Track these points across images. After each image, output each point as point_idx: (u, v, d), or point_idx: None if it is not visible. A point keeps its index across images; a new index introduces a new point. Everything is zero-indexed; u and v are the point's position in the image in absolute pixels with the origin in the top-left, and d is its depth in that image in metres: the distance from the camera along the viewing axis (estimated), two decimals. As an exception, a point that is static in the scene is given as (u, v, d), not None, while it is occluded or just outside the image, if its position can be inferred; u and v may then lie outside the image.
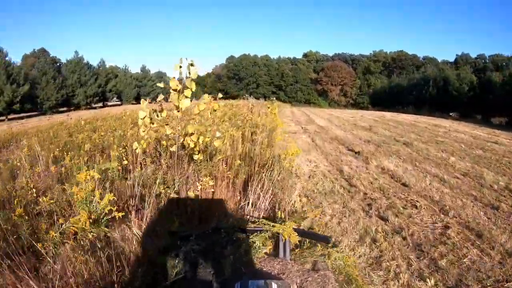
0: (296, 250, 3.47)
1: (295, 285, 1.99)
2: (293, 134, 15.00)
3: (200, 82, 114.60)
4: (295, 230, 2.50)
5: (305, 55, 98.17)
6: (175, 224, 3.49)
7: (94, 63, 55.04)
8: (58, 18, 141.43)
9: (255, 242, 2.65)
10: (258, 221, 2.87)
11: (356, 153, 11.19)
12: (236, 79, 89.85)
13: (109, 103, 57.06)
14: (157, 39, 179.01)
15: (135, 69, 66.99)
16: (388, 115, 34.32)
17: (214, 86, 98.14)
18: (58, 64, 51.56)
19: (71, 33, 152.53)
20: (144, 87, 61.51)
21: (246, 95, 23.44)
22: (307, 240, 3.58)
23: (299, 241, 2.55)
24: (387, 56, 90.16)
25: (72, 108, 47.87)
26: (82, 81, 48.26)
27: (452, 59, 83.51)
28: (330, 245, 3.48)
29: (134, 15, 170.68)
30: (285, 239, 2.50)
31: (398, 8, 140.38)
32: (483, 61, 74.19)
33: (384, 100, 59.86)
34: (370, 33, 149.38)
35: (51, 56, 51.89)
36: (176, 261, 2.36)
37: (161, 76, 69.91)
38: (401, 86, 57.11)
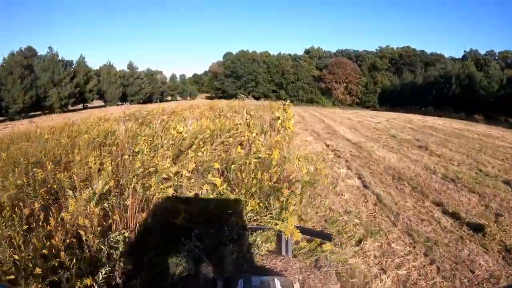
0: (298, 247, 3.42)
1: (298, 282, 1.88)
2: (322, 163, 9.16)
3: (198, 80, 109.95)
4: (297, 227, 2.74)
5: (306, 51, 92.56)
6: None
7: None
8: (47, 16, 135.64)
9: (257, 240, 2.85)
10: (261, 219, 3.14)
11: (476, 231, 5.22)
12: (234, 77, 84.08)
13: (91, 105, 50.79)
14: (145, 34, 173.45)
15: (121, 66, 60.36)
16: (413, 118, 28.85)
17: (211, 85, 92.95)
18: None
19: (57, 30, 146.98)
20: (131, 86, 55.08)
21: (242, 95, 17.98)
22: (309, 238, 3.57)
23: (301, 238, 2.82)
24: (394, 52, 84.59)
25: (46, 112, 41.93)
26: (55, 80, 41.93)
27: (459, 56, 79.79)
28: (332, 242, 3.63)
29: (120, 9, 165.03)
30: (287, 237, 2.70)
31: (401, 2, 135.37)
32: (492, 57, 69.63)
33: (396, 99, 54.07)
34: (373, 28, 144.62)
35: (38, 54, 45.90)
36: (180, 259, 2.51)
37: (151, 74, 63.73)
38: (416, 84, 51.18)
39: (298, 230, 2.69)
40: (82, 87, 46.66)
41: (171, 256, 2.54)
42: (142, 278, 2.63)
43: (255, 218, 3.38)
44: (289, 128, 8.67)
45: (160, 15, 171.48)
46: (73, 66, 47.00)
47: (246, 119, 8.89)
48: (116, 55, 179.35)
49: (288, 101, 8.75)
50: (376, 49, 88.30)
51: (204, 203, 3.81)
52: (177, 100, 71.03)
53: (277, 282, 1.54)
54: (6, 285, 2.19)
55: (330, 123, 20.86)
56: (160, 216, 3.52)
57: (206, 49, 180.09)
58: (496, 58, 68.87)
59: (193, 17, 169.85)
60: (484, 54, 77.42)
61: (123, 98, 53.98)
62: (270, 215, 3.46)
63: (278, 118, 8.69)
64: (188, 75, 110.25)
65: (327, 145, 12.11)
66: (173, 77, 79.84)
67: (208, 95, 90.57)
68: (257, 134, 8.01)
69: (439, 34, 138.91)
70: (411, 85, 52.13)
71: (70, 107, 45.14)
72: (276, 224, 2.83)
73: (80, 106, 48.74)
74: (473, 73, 40.50)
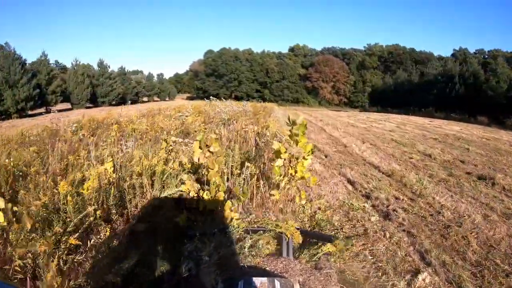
0: (299, 249, 3.36)
1: (298, 284, 1.88)
2: None
3: (179, 80, 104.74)
4: (298, 229, 2.72)
5: (291, 49, 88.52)
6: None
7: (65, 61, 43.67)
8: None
9: (259, 242, 2.74)
10: (262, 221, 3.05)
11: None
12: (215, 76, 79.29)
13: (56, 108, 45.05)
14: (117, 31, 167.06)
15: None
16: (421, 122, 25.41)
17: (191, 85, 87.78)
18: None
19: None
20: (102, 86, 49.49)
21: (212, 97, 13.89)
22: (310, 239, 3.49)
23: (302, 240, 2.79)
24: (383, 50, 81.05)
25: (3, 117, 36.28)
26: (10, 81, 36.30)
27: (447, 54, 77.47)
28: (333, 244, 3.41)
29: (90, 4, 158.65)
30: (288, 239, 2.67)
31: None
32: (482, 56, 66.77)
33: (389, 99, 50.02)
34: (360, 26, 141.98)
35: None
36: (181, 259, 2.48)
37: (124, 73, 58.17)
38: (412, 83, 47.31)
39: (299, 232, 2.64)
40: (44, 88, 41.11)
41: (173, 257, 2.58)
42: (143, 278, 2.58)
43: (256, 220, 3.24)
44: (302, 178, 4.19)
45: (143, 14, 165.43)
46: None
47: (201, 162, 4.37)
48: (97, 56, 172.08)
49: (302, 117, 4.08)
50: (364, 47, 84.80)
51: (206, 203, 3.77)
52: (154, 101, 66.00)
53: (277, 284, 1.58)
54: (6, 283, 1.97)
55: (333, 133, 16.31)
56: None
57: (189, 48, 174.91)
58: (486, 57, 66.10)
59: (175, 15, 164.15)
60: (474, 52, 74.97)
61: (93, 100, 48.74)
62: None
63: (279, 154, 4.20)
64: (170, 74, 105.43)
65: (351, 182, 7.58)
66: (149, 76, 73.91)
67: (189, 95, 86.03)
68: (225, 196, 3.78)
69: (426, 33, 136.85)
70: (407, 84, 48.22)
71: (29, 112, 39.43)
72: (277, 225, 2.75)
73: (43, 109, 43.16)
74: (478, 72, 36.76)
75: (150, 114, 14.61)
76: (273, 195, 4.21)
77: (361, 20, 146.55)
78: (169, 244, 2.91)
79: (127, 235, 3.33)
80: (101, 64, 51.36)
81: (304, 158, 4.18)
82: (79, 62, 47.12)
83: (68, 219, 2.92)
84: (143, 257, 2.88)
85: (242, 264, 2.40)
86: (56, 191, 3.32)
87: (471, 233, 5.13)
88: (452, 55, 77.52)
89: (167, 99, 75.09)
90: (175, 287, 2.36)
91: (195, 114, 11.13)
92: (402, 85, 49.54)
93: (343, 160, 9.88)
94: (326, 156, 10.33)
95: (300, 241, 2.78)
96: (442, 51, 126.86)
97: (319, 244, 3.41)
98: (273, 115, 21.10)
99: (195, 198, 3.74)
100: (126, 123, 9.88)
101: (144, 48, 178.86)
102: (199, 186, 3.80)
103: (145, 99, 68.90)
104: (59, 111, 43.78)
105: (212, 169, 3.73)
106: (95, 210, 3.11)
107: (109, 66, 52.29)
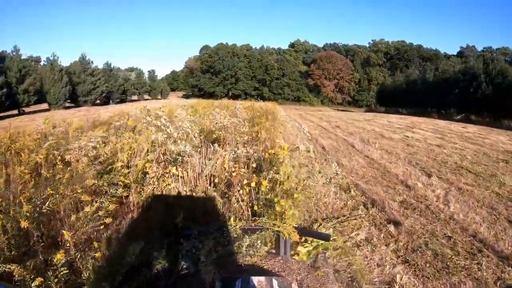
0: (297, 248, 3.30)
1: (296, 282, 1.94)
2: None
3: (175, 78, 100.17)
4: (295, 228, 2.58)
5: (292, 45, 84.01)
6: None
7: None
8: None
9: (256, 240, 2.65)
10: (259, 219, 2.89)
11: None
12: (211, 73, 74.78)
13: (32, 109, 40.03)
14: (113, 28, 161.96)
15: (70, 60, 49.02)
16: (454, 128, 20.86)
17: (186, 82, 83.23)
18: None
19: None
20: (83, 84, 44.56)
21: (145, 106, 8.58)
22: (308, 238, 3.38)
23: (299, 239, 2.65)
24: (389, 46, 76.59)
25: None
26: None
27: (454, 52, 74.77)
28: (330, 242, 3.39)
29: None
30: (286, 237, 2.54)
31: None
32: (490, 54, 62.61)
33: (399, 99, 45.48)
34: (363, 21, 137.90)
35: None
36: (178, 258, 2.41)
37: (110, 69, 53.24)
38: (427, 82, 42.62)
39: (297, 231, 2.56)
40: (14, 87, 36.23)
41: (170, 256, 2.50)
42: (140, 277, 2.54)
43: (253, 218, 3.12)
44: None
45: (140, 10, 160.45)
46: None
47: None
48: (91, 54, 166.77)
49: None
50: (369, 43, 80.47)
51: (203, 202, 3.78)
52: (145, 100, 61.30)
53: (275, 282, 1.63)
54: (5, 285, 2.06)
55: (370, 152, 11.26)
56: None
57: (186, 44, 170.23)
58: (495, 55, 61.95)
59: (171, 8, 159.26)
60: (482, 50, 70.91)
61: (73, 99, 43.98)
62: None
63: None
64: (167, 72, 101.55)
65: None
66: (139, 73, 68.70)
67: (184, 93, 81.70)
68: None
69: (430, 29, 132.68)
70: (420, 83, 43.50)
71: None
72: (274, 224, 2.67)
73: (15, 111, 38.12)
74: (506, 70, 32.27)
75: (106, 122, 9.64)
76: None
77: (363, 15, 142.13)
78: (166, 243, 2.66)
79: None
80: (82, 59, 46.37)
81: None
82: (57, 57, 42.26)
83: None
84: (139, 256, 2.61)
85: (239, 263, 2.37)
86: None
87: None
88: (459, 52, 73.59)
89: (159, 97, 70.30)
90: (172, 287, 2.23)
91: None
92: (414, 83, 44.81)
93: (430, 234, 5.02)
94: (395, 225, 5.52)
95: (298, 240, 2.65)
96: (447, 49, 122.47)
97: (317, 242, 3.34)
98: (278, 121, 16.43)
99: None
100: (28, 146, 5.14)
101: (140, 45, 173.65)
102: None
103: (134, 97, 64.15)
104: (35, 112, 39.09)
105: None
106: None
107: (92, 62, 47.38)
